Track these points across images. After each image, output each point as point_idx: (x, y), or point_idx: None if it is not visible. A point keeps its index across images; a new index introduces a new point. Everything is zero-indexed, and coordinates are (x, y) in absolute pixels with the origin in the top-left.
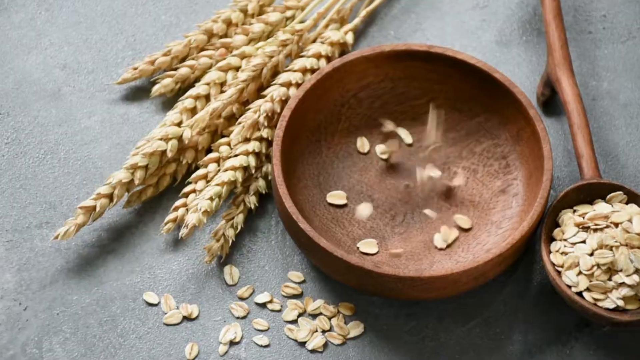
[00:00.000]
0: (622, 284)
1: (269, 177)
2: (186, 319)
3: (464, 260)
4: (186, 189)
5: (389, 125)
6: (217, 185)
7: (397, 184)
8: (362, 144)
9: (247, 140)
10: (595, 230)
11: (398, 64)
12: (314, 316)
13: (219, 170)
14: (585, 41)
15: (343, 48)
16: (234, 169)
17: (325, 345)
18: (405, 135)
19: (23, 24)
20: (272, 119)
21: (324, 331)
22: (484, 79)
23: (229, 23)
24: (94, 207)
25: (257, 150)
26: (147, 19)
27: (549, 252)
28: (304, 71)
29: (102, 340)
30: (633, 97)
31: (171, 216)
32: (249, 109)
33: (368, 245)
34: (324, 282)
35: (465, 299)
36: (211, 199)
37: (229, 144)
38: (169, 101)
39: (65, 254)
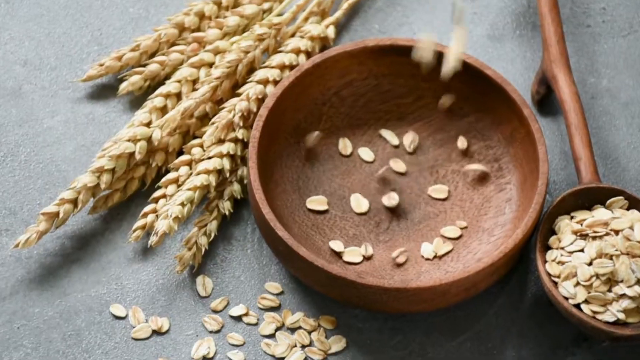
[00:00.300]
0: (623, 296)
1: (245, 181)
2: (156, 333)
3: (454, 270)
4: (156, 194)
5: (388, 136)
6: (189, 189)
7: (383, 188)
8: (345, 145)
9: (221, 141)
10: (594, 238)
11: (383, 60)
12: (292, 330)
13: (191, 173)
14: (584, 35)
15: (324, 43)
16: (207, 172)
17: None
18: (391, 137)
19: None
20: (247, 118)
21: (303, 346)
22: (475, 76)
23: (201, 16)
24: (57, 214)
25: (231, 153)
26: (114, 12)
27: (545, 261)
28: (282, 67)
29: (65, 355)
30: (635, 95)
31: (140, 223)
32: (223, 108)
33: (351, 254)
34: (303, 293)
35: (455, 311)
36: (182, 204)
37: (201, 146)
38: (137, 100)
39: (26, 264)
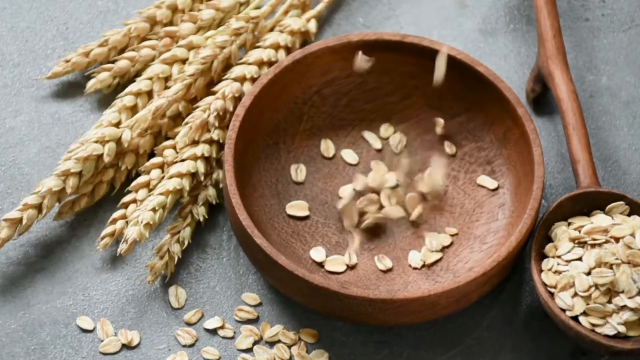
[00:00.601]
0: (624, 307)
1: (220, 185)
2: (125, 347)
3: (443, 280)
4: (125, 199)
5: (371, 139)
6: (161, 194)
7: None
8: (327, 147)
9: (195, 143)
10: (592, 245)
11: (368, 56)
12: (271, 344)
13: (163, 177)
14: (582, 30)
15: (305, 38)
16: (180, 175)
17: None
18: (374, 140)
19: None
20: (223, 118)
21: None
22: (466, 72)
23: (174, 9)
24: (20, 220)
25: (206, 155)
26: (81, 5)
27: (540, 270)
28: (260, 64)
29: None
30: (636, 93)
31: (108, 230)
32: (197, 107)
33: (334, 263)
34: (283, 305)
35: (445, 324)
36: (154, 210)
37: (174, 148)
38: (105, 98)
39: None
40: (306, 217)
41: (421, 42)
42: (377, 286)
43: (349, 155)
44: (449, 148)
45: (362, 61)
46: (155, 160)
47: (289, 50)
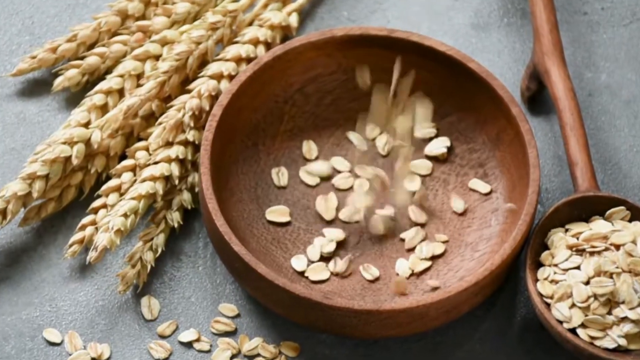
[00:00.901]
0: (625, 319)
1: (196, 189)
2: None
3: (433, 290)
4: (95, 204)
5: (356, 141)
6: (133, 199)
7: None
8: (309, 149)
9: (169, 144)
10: (591, 253)
11: (352, 52)
12: (250, 358)
13: (135, 180)
14: (580, 24)
15: (286, 32)
16: (154, 179)
17: None
18: (359, 142)
19: None
20: (199, 118)
21: None
22: (457, 69)
23: (147, 2)
24: None
25: (181, 157)
26: None
27: (536, 280)
28: (239, 60)
29: None
30: (637, 91)
31: (77, 236)
32: (171, 106)
33: (317, 272)
34: (262, 316)
35: (435, 337)
36: (125, 215)
37: (147, 149)
38: (74, 97)
39: None
40: (287, 223)
41: (409, 37)
42: (362, 296)
43: (335, 160)
44: (437, 150)
45: (365, 78)
46: (127, 162)
47: (268, 45)
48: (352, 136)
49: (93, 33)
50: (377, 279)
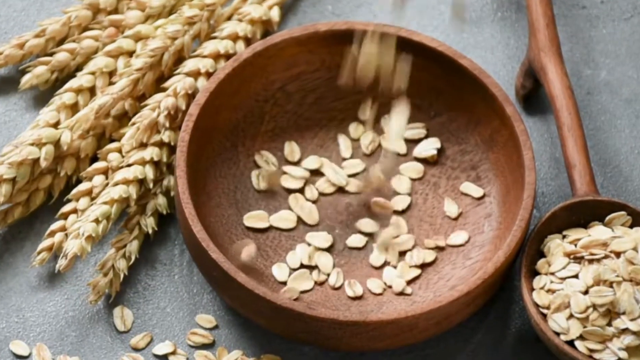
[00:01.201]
0: (625, 331)
1: (171, 194)
2: None
3: (422, 299)
4: (65, 209)
5: (342, 146)
6: (105, 203)
7: (336, 201)
8: (292, 150)
9: (143, 145)
10: (590, 261)
11: (337, 48)
12: None
13: (107, 184)
14: (578, 18)
15: (266, 27)
16: (127, 182)
17: None
18: (345, 147)
19: None
20: (175, 118)
21: None
22: (448, 66)
23: None
24: None
25: (156, 159)
26: None
27: (532, 289)
28: (217, 57)
29: None
30: (639, 90)
31: (46, 243)
32: (145, 105)
33: (300, 280)
34: (242, 327)
35: (425, 349)
36: (97, 221)
37: (119, 151)
38: (42, 95)
39: None
40: (267, 229)
41: (398, 32)
42: (347, 307)
43: (316, 161)
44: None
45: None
46: (99, 165)
47: (248, 41)
48: (340, 139)
49: (63, 28)
50: (360, 294)
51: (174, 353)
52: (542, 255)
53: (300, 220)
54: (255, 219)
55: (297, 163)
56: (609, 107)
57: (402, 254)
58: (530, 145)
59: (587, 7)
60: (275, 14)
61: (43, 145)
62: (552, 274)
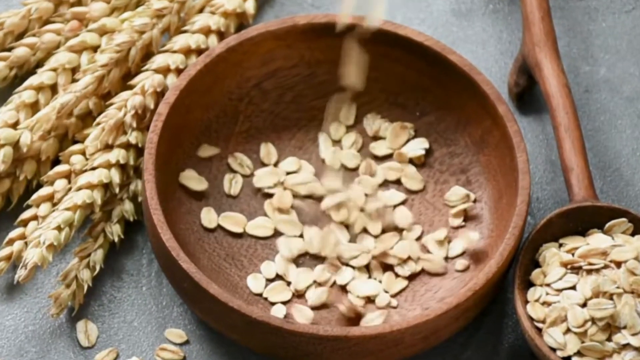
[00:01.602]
0: (626, 346)
1: (139, 199)
2: None
3: (409, 312)
4: (25, 215)
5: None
6: (68, 209)
7: (316, 206)
8: (268, 152)
9: (108, 147)
10: (589, 271)
11: (317, 43)
12: None
13: (70, 188)
14: (576, 11)
15: (241, 20)
16: (91, 187)
17: None
18: (324, 142)
19: None
20: (143, 118)
21: None
22: (436, 63)
23: None
24: None
25: (122, 162)
26: None
27: (526, 302)
28: (187, 52)
29: None
30: None
31: (4, 252)
32: (111, 104)
33: (277, 292)
34: (214, 343)
35: None
36: (59, 228)
37: (83, 153)
38: (0, 94)
39: None
40: (241, 236)
41: (382, 26)
42: (328, 320)
43: (294, 164)
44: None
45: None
46: (61, 168)
47: (222, 35)
48: (321, 140)
49: (22, 21)
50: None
51: None
52: (537, 265)
53: (276, 228)
54: (230, 221)
55: (274, 166)
56: (608, 106)
57: (388, 267)
58: (524, 147)
59: None
60: (250, 6)
61: (1, 147)
62: (548, 285)
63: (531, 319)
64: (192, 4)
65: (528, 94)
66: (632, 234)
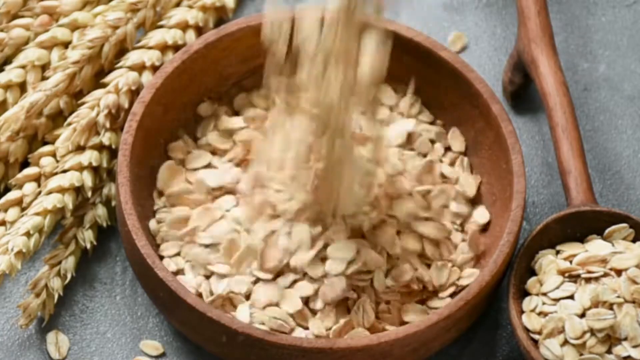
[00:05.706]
0: (627, 359)
1: (113, 203)
2: None
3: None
4: None
5: None
6: (37, 214)
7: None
8: None
9: (80, 149)
10: (588, 280)
11: None
12: None
13: (40, 192)
14: (574, 5)
15: (220, 14)
16: (62, 190)
17: None
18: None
19: None
20: (116, 118)
21: None
22: (426, 59)
23: None
24: None
25: (94, 164)
26: None
27: (521, 312)
28: (164, 48)
29: None
30: None
31: None
32: (83, 103)
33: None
34: (192, 355)
35: None
36: (28, 234)
37: (54, 155)
38: None
39: None
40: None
41: (369, 21)
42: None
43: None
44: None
45: None
46: (30, 170)
47: (200, 30)
48: None
49: None
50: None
51: None
52: (532, 273)
53: None
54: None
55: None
56: (608, 105)
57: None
58: (520, 148)
59: None
60: (229, 0)
61: None
62: (544, 294)
63: (527, 330)
64: None
65: (523, 93)
66: (633, 240)
